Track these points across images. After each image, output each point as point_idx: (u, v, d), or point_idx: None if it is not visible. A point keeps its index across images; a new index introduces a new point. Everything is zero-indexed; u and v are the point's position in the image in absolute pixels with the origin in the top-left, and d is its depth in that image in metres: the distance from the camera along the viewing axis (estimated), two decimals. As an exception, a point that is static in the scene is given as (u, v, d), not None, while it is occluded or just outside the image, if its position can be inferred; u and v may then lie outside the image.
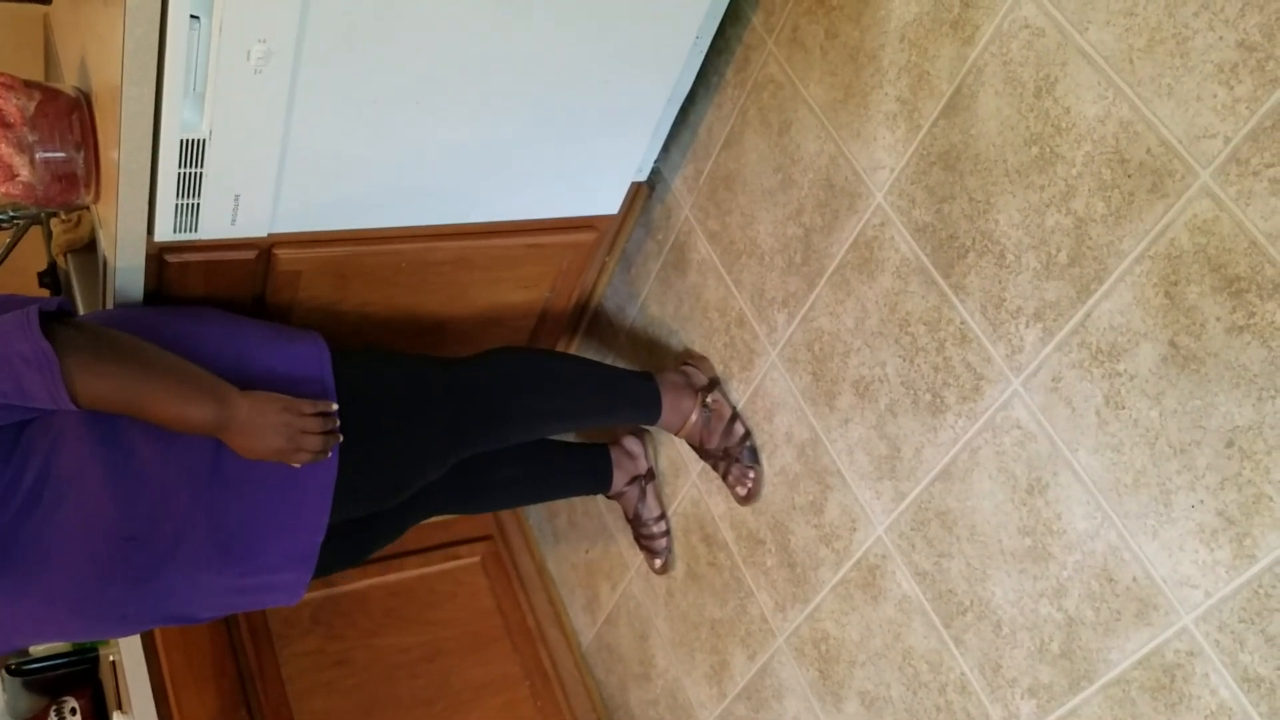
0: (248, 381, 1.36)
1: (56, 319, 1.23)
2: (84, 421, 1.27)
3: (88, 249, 1.67)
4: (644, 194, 1.92)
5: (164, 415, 1.25)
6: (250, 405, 1.30)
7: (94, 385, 1.20)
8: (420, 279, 1.74)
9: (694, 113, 1.81)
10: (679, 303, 1.92)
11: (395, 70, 1.40)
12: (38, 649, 2.03)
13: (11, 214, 1.67)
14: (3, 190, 1.40)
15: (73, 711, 2.11)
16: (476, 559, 2.30)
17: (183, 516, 1.32)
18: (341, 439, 1.39)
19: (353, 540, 1.58)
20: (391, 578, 2.19)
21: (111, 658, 1.98)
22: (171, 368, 1.27)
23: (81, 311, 1.66)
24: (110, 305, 1.49)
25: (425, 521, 1.79)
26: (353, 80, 1.38)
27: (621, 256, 2.04)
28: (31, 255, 1.78)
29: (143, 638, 1.93)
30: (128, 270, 1.44)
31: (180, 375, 1.27)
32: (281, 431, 1.31)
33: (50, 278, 1.75)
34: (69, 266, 1.70)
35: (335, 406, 1.38)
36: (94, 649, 2.17)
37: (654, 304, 1.99)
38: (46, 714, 2.09)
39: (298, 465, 1.34)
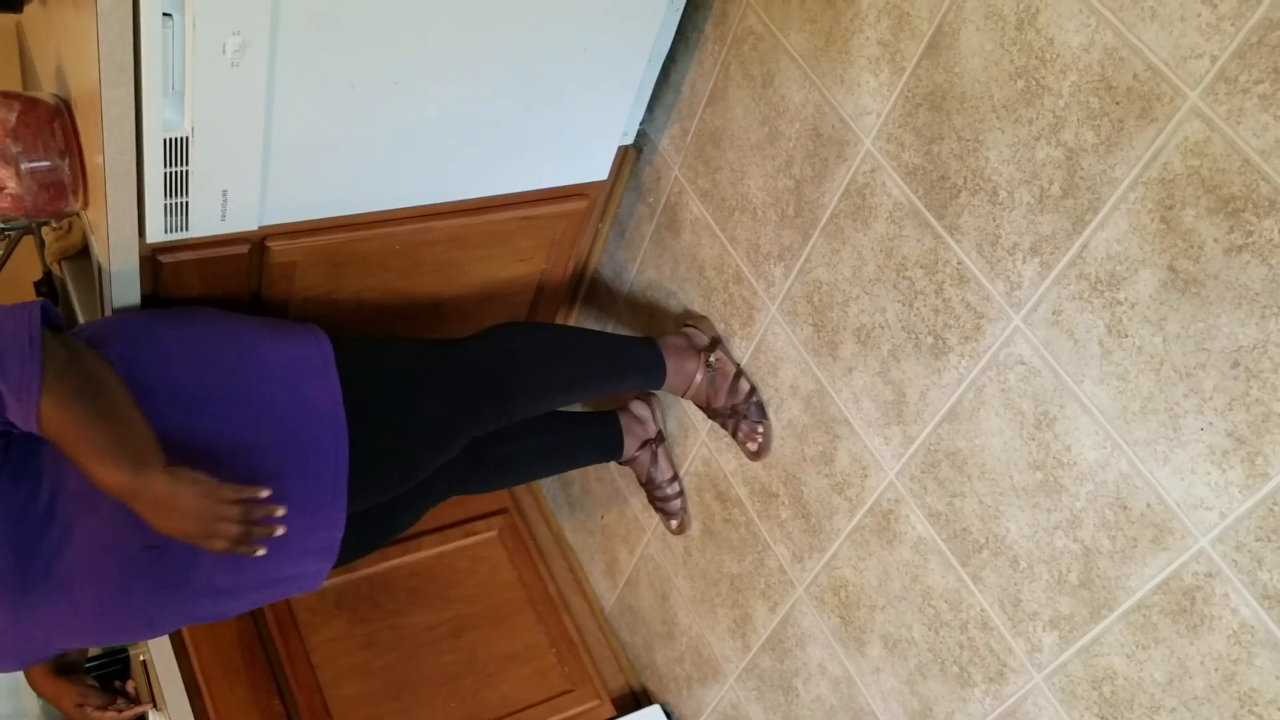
0: (250, 382, 1.36)
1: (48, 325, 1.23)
2: None
3: (82, 255, 1.66)
4: (632, 157, 1.91)
5: (82, 463, 1.18)
6: (168, 482, 1.19)
7: (57, 415, 1.16)
8: (415, 261, 1.73)
9: (675, 71, 1.80)
10: (675, 264, 1.92)
11: (371, 52, 1.39)
12: (68, 654, 2.05)
13: (1, 226, 1.67)
14: (-9, 205, 1.39)
15: (108, 713, 2.13)
16: (494, 533, 2.32)
17: None
18: (282, 532, 1.26)
19: (373, 526, 1.59)
20: (411, 558, 2.21)
21: (142, 657, 2.00)
22: (115, 418, 1.20)
23: (80, 320, 1.65)
24: (109, 311, 1.49)
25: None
26: (329, 65, 1.37)
27: (614, 222, 2.03)
28: (25, 265, 1.78)
29: (171, 636, 1.95)
30: (123, 274, 1.44)
31: (113, 431, 1.19)
32: (195, 517, 1.20)
33: (47, 286, 1.74)
34: (64, 274, 1.70)
35: (266, 493, 1.24)
36: (124, 650, 2.19)
37: (650, 267, 1.99)
38: (83, 717, 2.11)
39: (215, 551, 1.24)
